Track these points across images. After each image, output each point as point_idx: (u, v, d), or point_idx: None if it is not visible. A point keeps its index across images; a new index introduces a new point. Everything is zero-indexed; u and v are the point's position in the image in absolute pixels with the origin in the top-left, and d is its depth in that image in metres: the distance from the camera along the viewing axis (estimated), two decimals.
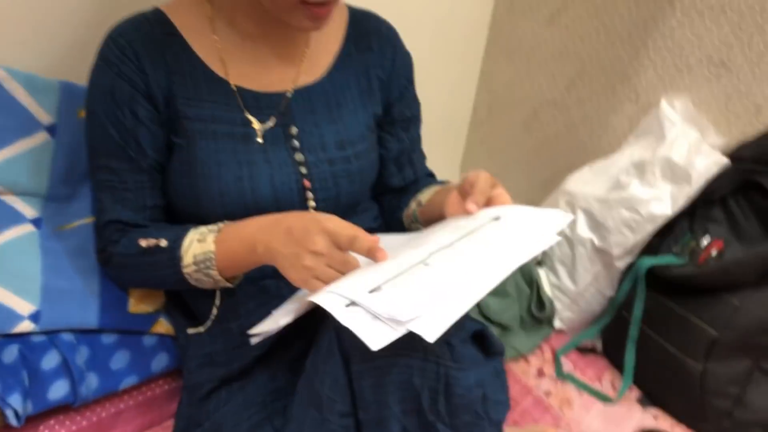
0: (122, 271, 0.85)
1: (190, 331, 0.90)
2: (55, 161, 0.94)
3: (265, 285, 0.86)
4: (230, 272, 0.79)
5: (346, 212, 0.91)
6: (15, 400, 0.76)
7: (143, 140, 0.80)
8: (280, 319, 0.69)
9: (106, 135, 0.80)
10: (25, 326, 0.81)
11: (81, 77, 0.92)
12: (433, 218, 0.87)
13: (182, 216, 0.86)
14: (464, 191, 0.76)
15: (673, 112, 1.25)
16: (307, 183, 0.84)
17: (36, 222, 0.91)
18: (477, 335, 0.69)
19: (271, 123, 0.84)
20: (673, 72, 1.30)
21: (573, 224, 1.27)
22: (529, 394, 1.15)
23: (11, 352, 0.80)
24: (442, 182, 1.01)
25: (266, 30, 0.83)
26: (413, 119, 1.00)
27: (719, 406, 1.07)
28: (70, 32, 0.97)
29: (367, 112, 0.91)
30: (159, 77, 0.79)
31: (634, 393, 1.18)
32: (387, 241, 0.81)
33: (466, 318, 0.60)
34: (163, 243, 0.79)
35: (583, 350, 1.28)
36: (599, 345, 1.30)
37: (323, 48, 0.89)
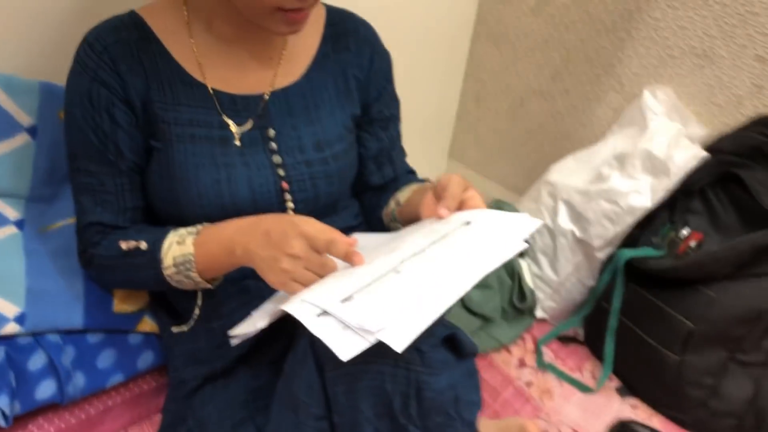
0: (103, 272, 0.86)
1: (174, 329, 0.91)
2: (37, 162, 0.94)
3: (246, 285, 0.87)
4: (210, 274, 0.80)
5: (325, 212, 0.93)
6: (2, 401, 0.78)
7: (122, 144, 0.80)
8: (257, 322, 0.70)
9: (84, 139, 0.80)
10: (11, 328, 0.82)
11: (60, 77, 0.92)
12: (411, 218, 0.88)
13: (162, 217, 0.86)
14: (438, 194, 0.77)
15: (655, 102, 1.26)
16: (285, 185, 0.85)
17: (19, 224, 0.92)
18: (449, 339, 0.71)
19: (248, 125, 0.84)
20: (656, 62, 1.30)
21: (554, 215, 1.29)
22: (510, 385, 1.17)
23: None
24: (421, 180, 1.01)
25: (243, 33, 0.83)
26: (392, 118, 1.00)
27: (695, 396, 1.10)
28: (48, 31, 0.96)
29: (345, 113, 0.91)
30: (136, 82, 0.79)
31: (614, 383, 1.21)
32: (365, 241, 0.83)
33: (436, 324, 0.62)
34: (143, 245, 0.80)
35: (565, 339, 1.31)
36: (581, 333, 1.33)
37: (300, 49, 0.89)
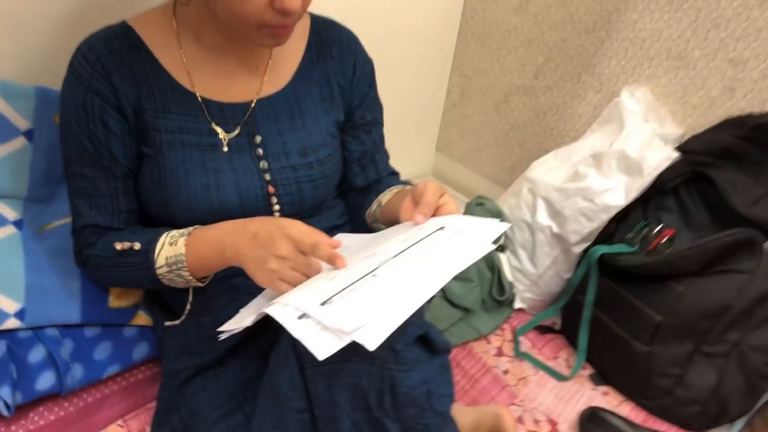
0: (99, 271, 0.89)
1: (167, 323, 0.96)
2: (34, 164, 0.97)
3: (235, 283, 0.92)
4: (201, 273, 0.84)
5: (311, 213, 0.97)
6: (4, 392, 0.83)
7: (115, 150, 0.83)
8: (244, 320, 0.75)
9: (80, 145, 0.83)
10: (12, 323, 0.86)
11: (55, 82, 0.94)
12: (391, 220, 0.92)
13: (154, 220, 0.90)
14: (415, 199, 0.81)
15: (632, 102, 1.30)
16: (271, 189, 0.89)
17: (18, 224, 0.95)
18: (422, 337, 0.75)
19: (236, 132, 0.87)
20: (634, 63, 1.34)
21: (534, 211, 1.33)
22: (488, 373, 1.23)
23: None
24: (403, 182, 1.05)
25: (230, 43, 0.86)
26: (375, 123, 1.03)
27: (662, 384, 1.16)
28: (43, 39, 0.99)
29: (329, 119, 0.95)
30: (128, 91, 0.82)
31: (588, 370, 1.27)
32: (349, 241, 0.87)
33: (409, 324, 0.66)
34: (137, 246, 0.83)
35: (543, 329, 1.36)
36: (559, 322, 1.38)
37: (286, 58, 0.92)
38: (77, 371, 0.92)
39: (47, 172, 0.99)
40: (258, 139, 0.89)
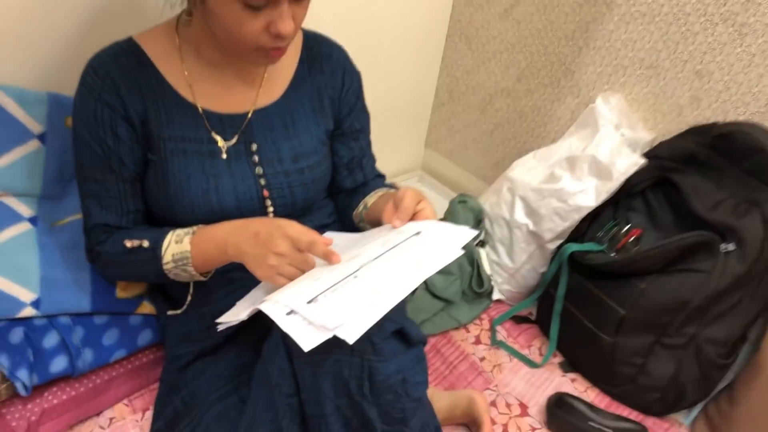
0: (109, 267, 0.96)
1: (170, 312, 1.04)
2: (47, 165, 1.04)
3: (232, 276, 0.99)
4: (204, 268, 0.91)
5: (302, 213, 1.04)
6: (23, 374, 0.90)
7: (124, 156, 0.90)
8: (240, 313, 0.83)
9: (91, 152, 0.90)
10: (28, 312, 0.94)
11: (65, 88, 1.02)
12: (375, 221, 1.00)
13: (159, 219, 0.97)
14: (396, 204, 0.89)
15: (606, 108, 1.38)
16: (266, 192, 0.96)
17: (32, 220, 1.02)
18: (398, 331, 0.84)
19: (234, 140, 0.94)
20: (610, 71, 1.42)
21: (512, 209, 1.41)
22: (465, 360, 1.32)
23: (17, 334, 0.92)
24: (389, 185, 1.12)
25: (228, 58, 0.92)
26: (362, 130, 1.11)
27: (625, 373, 1.25)
28: (55, 47, 1.04)
29: (319, 128, 1.02)
30: (135, 103, 0.88)
31: (558, 358, 1.36)
32: (337, 239, 0.95)
33: (387, 319, 0.75)
34: (146, 243, 0.90)
35: (519, 319, 1.45)
36: (535, 312, 1.47)
37: (280, 72, 0.99)
38: (87, 355, 0.99)
39: (59, 172, 1.05)
40: (254, 146, 0.96)
